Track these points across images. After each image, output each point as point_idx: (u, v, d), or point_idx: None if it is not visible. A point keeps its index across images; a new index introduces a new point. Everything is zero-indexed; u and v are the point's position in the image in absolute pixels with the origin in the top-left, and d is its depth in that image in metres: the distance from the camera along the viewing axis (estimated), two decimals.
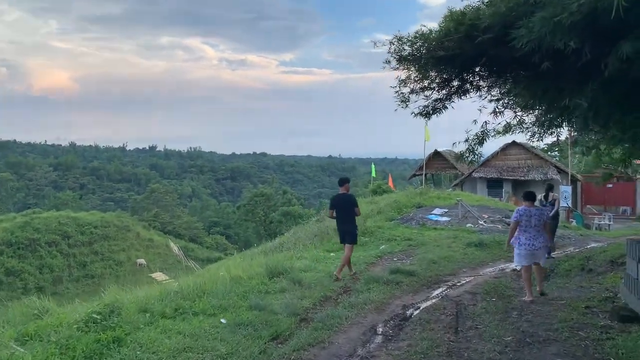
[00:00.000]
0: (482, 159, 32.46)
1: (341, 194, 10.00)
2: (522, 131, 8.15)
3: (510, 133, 7.62)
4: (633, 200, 30.85)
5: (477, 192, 29.82)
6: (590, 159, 44.31)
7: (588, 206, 32.17)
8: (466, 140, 6.83)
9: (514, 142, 30.06)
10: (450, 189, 30.72)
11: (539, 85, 5.50)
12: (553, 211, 12.24)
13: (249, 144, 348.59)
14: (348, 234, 9.81)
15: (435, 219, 17.11)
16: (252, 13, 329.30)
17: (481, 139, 6.88)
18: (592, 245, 14.73)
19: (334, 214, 9.98)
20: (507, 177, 29.24)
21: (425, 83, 6.15)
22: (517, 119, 7.06)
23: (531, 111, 6.87)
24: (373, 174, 34.86)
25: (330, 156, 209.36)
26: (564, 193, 25.01)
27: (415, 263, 10.84)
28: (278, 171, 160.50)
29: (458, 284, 9.30)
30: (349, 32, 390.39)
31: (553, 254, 11.53)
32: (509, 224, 17.39)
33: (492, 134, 7.00)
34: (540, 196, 12.83)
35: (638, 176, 33.72)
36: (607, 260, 11.52)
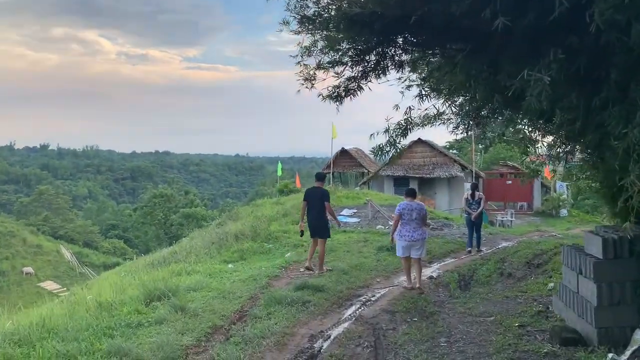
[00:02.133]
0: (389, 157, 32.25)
1: (315, 187, 10.18)
2: (444, 122, 7.03)
3: (439, 122, 6.45)
4: (530, 195, 32.08)
5: (384, 190, 29.42)
6: (488, 156, 46.27)
7: (489, 202, 33.07)
8: (386, 131, 5.55)
9: (419, 140, 30.01)
10: (358, 188, 30.08)
11: (479, 59, 4.26)
12: (480, 209, 12.67)
13: (151, 142, 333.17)
14: (319, 228, 9.85)
15: (345, 220, 15.99)
16: (150, 6, 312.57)
17: (404, 128, 5.64)
18: (503, 244, 14.33)
19: (306, 208, 9.98)
20: (413, 175, 29.09)
21: (336, 56, 4.74)
22: (448, 105, 5.90)
23: (463, 96, 5.73)
24: (279, 173, 33.39)
25: (237, 155, 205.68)
26: (467, 191, 25.11)
27: (325, 275, 9.49)
28: (182, 170, 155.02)
29: (373, 298, 8.06)
30: (253, 29, 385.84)
31: (482, 248, 12.69)
32: None
33: (420, 123, 5.78)
34: (466, 194, 13.22)
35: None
36: (522, 262, 10.95)
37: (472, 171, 28.38)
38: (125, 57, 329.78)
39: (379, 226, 15.04)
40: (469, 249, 12.55)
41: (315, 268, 9.85)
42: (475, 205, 12.68)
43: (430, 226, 16.24)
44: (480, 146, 29.30)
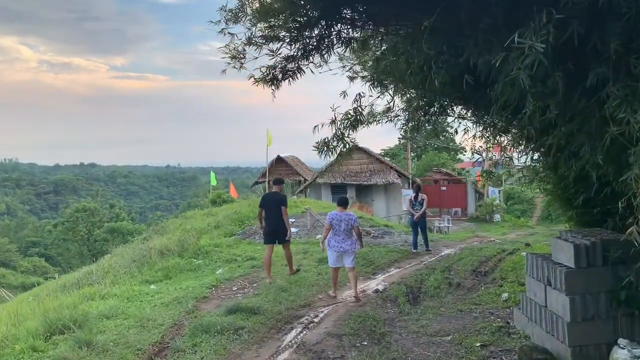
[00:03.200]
0: (324, 165, 31.79)
1: (272, 193, 10.12)
2: (391, 119, 6.28)
3: (386, 119, 5.67)
4: (464, 201, 32.48)
5: (322, 198, 28.72)
6: (421, 164, 46.85)
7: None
8: (332, 123, 4.67)
9: (356, 147, 29.59)
10: (295, 196, 29.18)
11: (443, 36, 3.49)
12: (422, 210, 12.87)
13: (76, 155, 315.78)
14: (278, 234, 9.58)
15: None
16: (74, 13, 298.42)
17: (354, 119, 4.79)
18: (445, 251, 13.88)
19: (263, 214, 9.75)
20: (350, 182, 28.59)
21: (272, 30, 3.82)
22: (399, 97, 5.12)
23: (415, 88, 4.96)
24: (213, 182, 31.87)
25: (168, 165, 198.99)
26: (405, 197, 24.87)
27: (261, 293, 8.46)
28: (110, 183, 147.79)
29: (316, 319, 7.14)
30: (183, 38, 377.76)
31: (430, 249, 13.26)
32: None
33: (366, 120, 4.95)
34: (410, 196, 13.47)
35: (466, 179, 35.90)
36: (468, 270, 10.49)
37: (408, 178, 28.26)
38: (47, 66, 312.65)
39: (319, 236, 14.17)
40: (415, 250, 12.90)
41: (274, 276, 9.58)
42: (419, 206, 12.98)
43: (372, 234, 15.60)
44: (412, 154, 29.30)
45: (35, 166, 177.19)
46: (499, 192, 36.40)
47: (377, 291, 8.84)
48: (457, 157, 60.05)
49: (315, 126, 4.64)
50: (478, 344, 5.63)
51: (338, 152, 5.10)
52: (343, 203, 8.51)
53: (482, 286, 9.02)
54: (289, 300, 7.96)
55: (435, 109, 6.29)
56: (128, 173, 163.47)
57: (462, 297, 8.30)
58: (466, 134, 6.96)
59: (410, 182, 27.88)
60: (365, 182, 28.37)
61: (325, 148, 4.84)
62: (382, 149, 48.29)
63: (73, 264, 44.31)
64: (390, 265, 11.35)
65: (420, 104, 6.32)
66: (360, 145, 29.73)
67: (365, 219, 18.69)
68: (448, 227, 25.24)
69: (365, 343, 5.96)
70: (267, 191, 29.49)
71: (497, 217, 31.47)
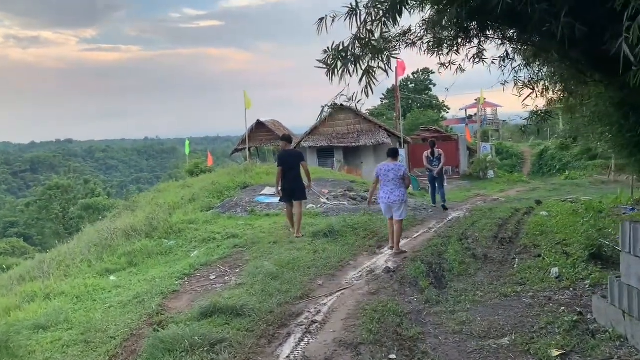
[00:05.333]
0: (309, 128, 29.70)
1: (288, 151, 9.84)
2: (411, 44, 4.42)
3: (404, 44, 3.81)
4: (457, 159, 30.93)
5: (308, 162, 26.87)
6: (407, 123, 45.08)
7: (414, 169, 31.61)
8: (351, 13, 2.77)
9: (342, 107, 27.65)
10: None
11: None
12: (440, 165, 13.08)
13: (52, 131, 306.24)
14: (298, 190, 9.44)
15: (267, 201, 13.21)
16: None
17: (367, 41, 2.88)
18: (452, 214, 12.29)
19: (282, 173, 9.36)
20: (337, 145, 26.74)
21: None
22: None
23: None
24: (187, 151, 29.69)
25: (146, 138, 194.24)
26: (428, 149, 23.09)
27: (246, 282, 6.71)
28: (88, 158, 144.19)
29: (319, 317, 5.43)
30: (152, 6, 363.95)
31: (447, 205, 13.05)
32: (354, 199, 14.35)
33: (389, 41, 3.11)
34: (427, 153, 13.39)
35: (457, 135, 34.31)
36: (489, 237, 9.00)
37: (399, 137, 26.48)
38: (14, 41, 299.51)
39: (310, 205, 12.44)
40: (434, 204, 13.29)
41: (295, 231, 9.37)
42: (436, 161, 13.09)
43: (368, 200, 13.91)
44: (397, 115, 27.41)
45: (10, 145, 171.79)
46: (491, 148, 34.96)
47: (388, 270, 7.18)
48: (441, 115, 58.48)
49: (321, 19, 2.79)
50: (555, 353, 3.98)
51: (365, 69, 3.22)
52: (393, 154, 8.39)
53: (514, 258, 7.42)
54: (282, 291, 6.22)
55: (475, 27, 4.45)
56: (106, 147, 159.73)
57: (496, 274, 6.67)
58: (505, 61, 5.12)
59: (402, 141, 26.12)
60: (353, 144, 26.54)
61: (340, 60, 2.96)
62: (366, 109, 46.36)
63: (50, 245, 42.24)
64: None
65: (449, 23, 4.48)
66: (346, 104, 27.81)
67: (359, 183, 16.97)
68: (444, 186, 23.63)
69: (394, 357, 4.27)
70: (247, 160, 27.52)
71: (490, 173, 30.05)
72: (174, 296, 6.57)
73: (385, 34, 4.26)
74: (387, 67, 3.34)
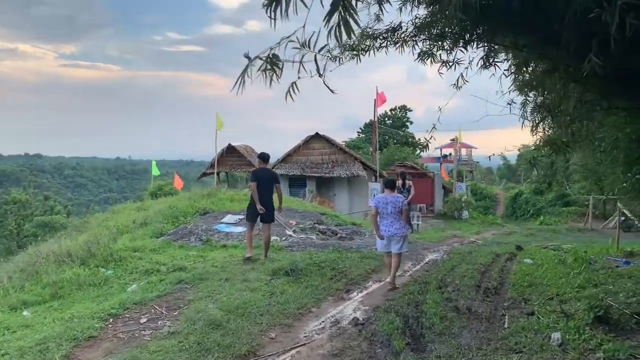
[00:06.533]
0: (281, 156, 28.62)
1: (264, 169, 9.43)
2: (401, 43, 3.41)
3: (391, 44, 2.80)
4: (431, 197, 30.18)
5: None
6: (382, 157, 44.52)
7: None
8: None
9: (317, 135, 26.77)
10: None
11: None
12: (410, 197, 13.57)
13: (20, 144, 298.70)
14: (270, 212, 9.24)
15: (227, 230, 11.97)
16: None
17: None
18: (429, 256, 11.25)
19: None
20: (310, 174, 25.67)
21: None
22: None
23: None
24: (155, 172, 28.24)
25: (118, 158, 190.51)
26: (374, 191, 22.20)
27: (180, 331, 5.45)
28: (56, 175, 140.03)
29: None
30: (137, 28, 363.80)
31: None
32: (324, 233, 13.23)
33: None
34: (398, 184, 13.33)
35: (433, 173, 33.69)
36: (470, 285, 7.97)
37: (375, 170, 25.59)
38: None
39: (274, 237, 11.23)
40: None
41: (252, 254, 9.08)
42: (406, 192, 13.51)
43: (338, 235, 12.80)
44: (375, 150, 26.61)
45: None
46: (467, 188, 34.43)
47: (356, 323, 6.04)
48: (417, 152, 58.36)
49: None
50: None
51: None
52: (390, 185, 8.09)
53: (503, 314, 6.37)
54: (222, 346, 4.99)
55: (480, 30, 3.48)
56: (76, 165, 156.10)
57: (485, 334, 5.57)
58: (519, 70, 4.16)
59: (377, 174, 25.22)
60: (326, 174, 25.52)
61: None
62: (343, 141, 45.76)
63: (2, 262, 39.64)
64: (367, 277, 8.55)
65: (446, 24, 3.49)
66: (322, 133, 26.93)
67: (330, 216, 15.85)
68: (418, 224, 22.72)
69: None
70: (215, 184, 26.21)
71: (465, 213, 29.31)
72: (88, 344, 5.27)
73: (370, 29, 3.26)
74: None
